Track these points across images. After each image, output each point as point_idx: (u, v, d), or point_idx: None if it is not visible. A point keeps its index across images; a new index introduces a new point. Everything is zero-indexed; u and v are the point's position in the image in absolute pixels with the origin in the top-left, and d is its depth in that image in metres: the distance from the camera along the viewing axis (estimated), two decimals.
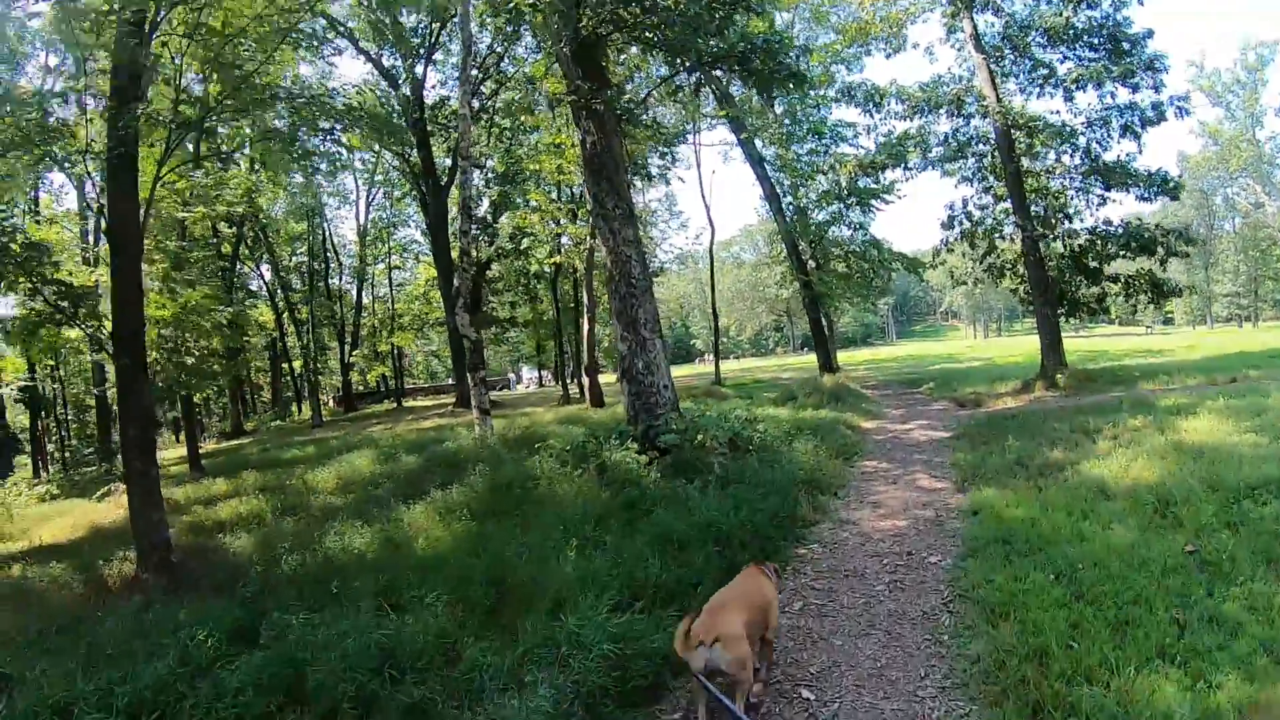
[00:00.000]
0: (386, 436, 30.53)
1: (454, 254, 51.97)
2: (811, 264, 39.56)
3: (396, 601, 9.42)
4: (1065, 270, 29.29)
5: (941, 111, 30.20)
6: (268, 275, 58.65)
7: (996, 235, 31.01)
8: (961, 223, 31.50)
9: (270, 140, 20.97)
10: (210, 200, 31.73)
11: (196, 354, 34.20)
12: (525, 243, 44.11)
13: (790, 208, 39.69)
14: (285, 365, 65.00)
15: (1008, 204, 30.05)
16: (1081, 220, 29.51)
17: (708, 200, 54.59)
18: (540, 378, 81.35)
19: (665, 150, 39.10)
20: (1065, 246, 29.42)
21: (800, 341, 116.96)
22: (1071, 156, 29.20)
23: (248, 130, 21.82)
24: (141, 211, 15.01)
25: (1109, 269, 29.61)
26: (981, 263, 31.96)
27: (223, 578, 12.13)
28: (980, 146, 30.49)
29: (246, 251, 54.50)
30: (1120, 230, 28.48)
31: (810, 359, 53.33)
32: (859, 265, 39.38)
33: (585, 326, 36.95)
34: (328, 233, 64.40)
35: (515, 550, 11.10)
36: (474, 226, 25.38)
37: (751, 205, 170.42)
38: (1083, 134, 28.82)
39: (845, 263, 39.86)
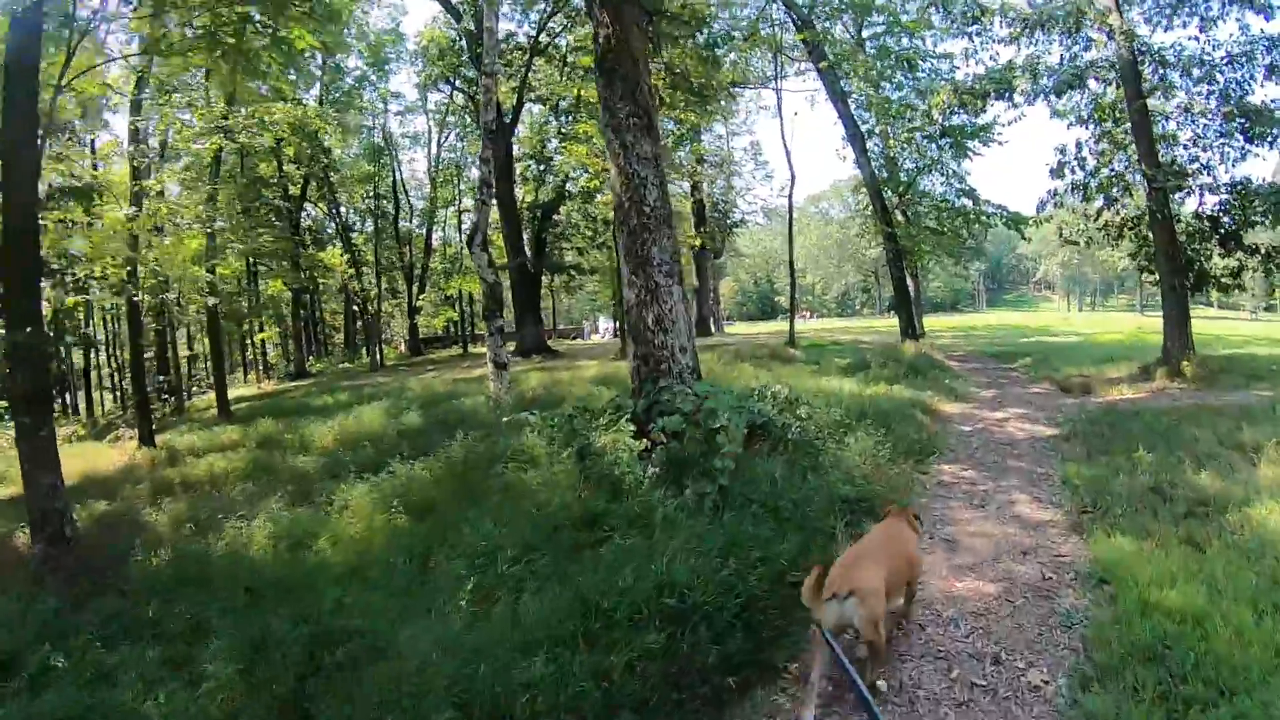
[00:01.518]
0: (420, 387, 29.17)
1: (519, 193, 50.94)
2: (898, 216, 35.06)
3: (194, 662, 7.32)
4: (1196, 235, 24.13)
5: (1055, 34, 24.71)
6: (342, 215, 58.39)
7: (1116, 187, 25.61)
8: (1074, 170, 26.06)
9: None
10: (234, 131, 30.32)
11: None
12: (582, 182, 39.68)
13: (876, 151, 34.84)
14: (355, 308, 62.85)
15: (1130, 150, 24.85)
16: (1215, 176, 23.97)
17: (788, 145, 49.38)
18: (614, 328, 77.89)
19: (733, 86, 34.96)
20: (1199, 205, 24.22)
21: (886, 305, 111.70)
22: (1207, 99, 23.67)
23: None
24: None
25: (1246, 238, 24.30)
26: (1097, 219, 26.67)
27: (105, 563, 11.09)
28: (1098, 80, 25.13)
29: (316, 193, 54.12)
30: (1273, 188, 23.01)
31: (895, 323, 49.28)
32: (950, 220, 34.43)
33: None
34: (397, 174, 62.05)
35: (411, 582, 8.95)
36: (490, 151, 21.25)
37: (833, 148, 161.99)
38: (1220, 71, 23.34)
39: (935, 216, 35.33)
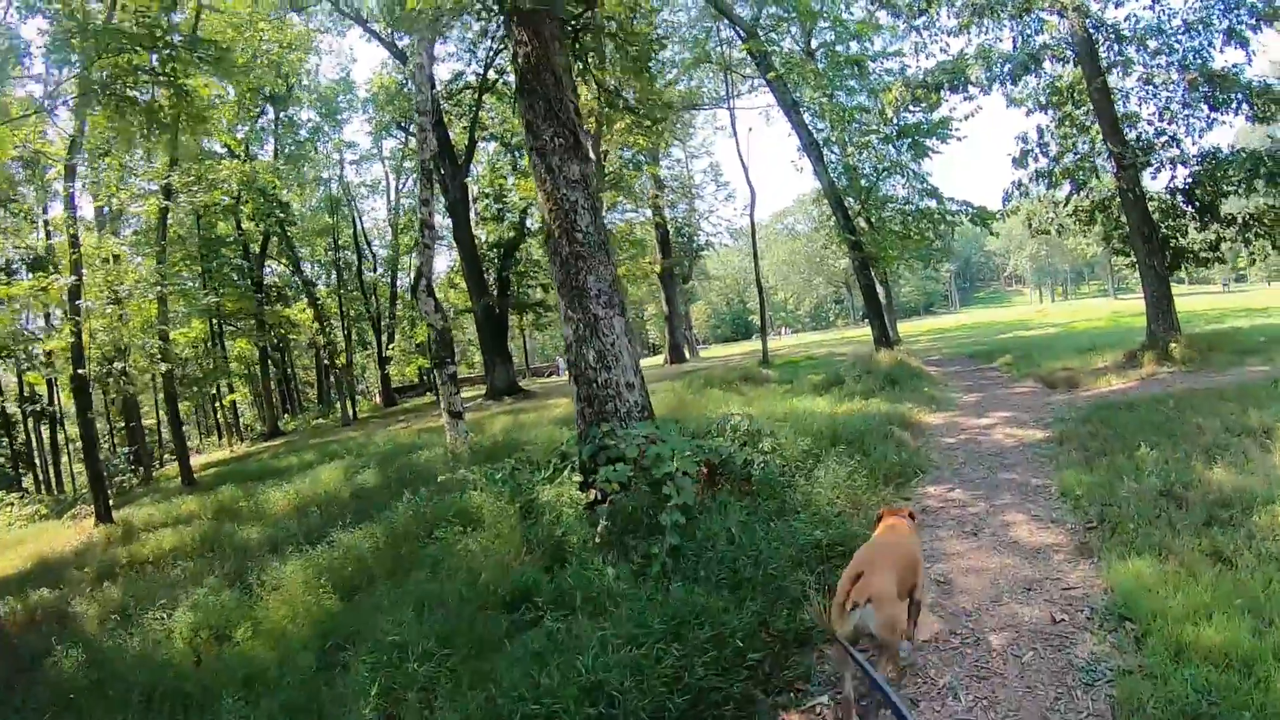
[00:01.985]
0: (384, 440, 28.52)
1: (482, 234, 50.01)
2: (863, 224, 33.76)
3: None
4: (1169, 211, 23.00)
5: (1004, 18, 23.46)
6: (306, 269, 58.41)
7: (1081, 170, 24.40)
8: (1037, 158, 24.88)
9: None
10: (175, 191, 29.60)
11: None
12: (539, 216, 38.55)
13: (835, 159, 33.54)
14: (325, 363, 62.13)
15: (1093, 131, 23.79)
16: (1183, 148, 22.75)
17: (745, 162, 49.12)
18: None
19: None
20: (1170, 180, 23.01)
21: (860, 314, 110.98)
22: (1167, 70, 22.45)
23: None
24: None
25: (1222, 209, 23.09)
26: (1066, 205, 25.46)
27: (22, 664, 10.29)
28: (1054, 61, 23.74)
29: (276, 248, 53.59)
30: (1244, 154, 21.79)
31: (870, 333, 48.64)
32: (916, 222, 33.03)
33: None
34: (358, 224, 62.14)
35: (314, 687, 7.66)
36: (431, 193, 20.21)
37: (789, 159, 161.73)
38: (1178, 40, 22.17)
39: (901, 220, 33.85)
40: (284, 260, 55.92)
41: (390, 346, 61.56)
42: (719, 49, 38.43)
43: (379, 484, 18.34)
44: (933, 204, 32.40)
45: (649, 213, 57.51)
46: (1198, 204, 22.09)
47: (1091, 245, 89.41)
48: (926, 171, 32.84)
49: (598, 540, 9.17)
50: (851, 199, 32.90)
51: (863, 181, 32.68)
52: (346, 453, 26.19)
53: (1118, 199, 23.02)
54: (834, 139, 33.03)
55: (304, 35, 46.58)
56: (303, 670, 7.96)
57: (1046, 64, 23.39)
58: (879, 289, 48.16)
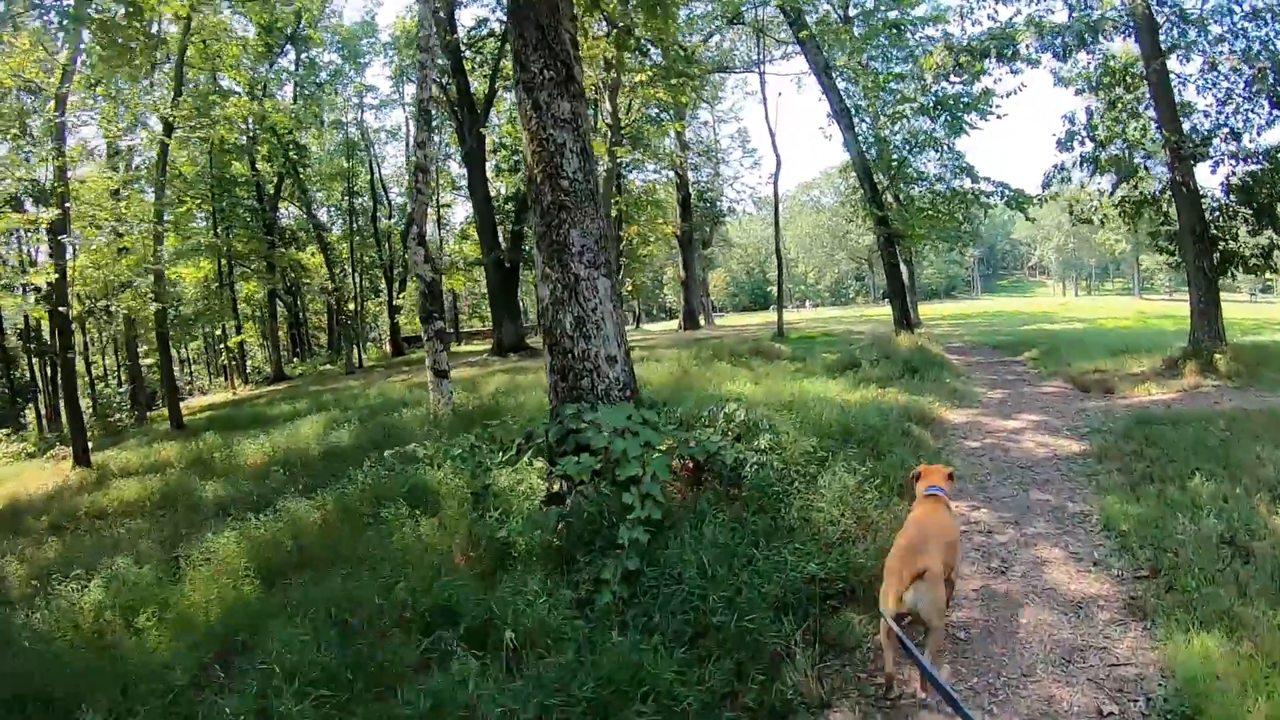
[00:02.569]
0: (378, 393, 27.82)
1: (500, 186, 48.72)
2: (890, 199, 31.97)
3: None
4: (1222, 211, 21.02)
5: None
6: (320, 215, 57.95)
7: (1128, 159, 22.47)
8: (1083, 142, 22.90)
9: None
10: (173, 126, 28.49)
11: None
12: None
13: (865, 130, 31.70)
14: (336, 308, 60.78)
15: (1145, 118, 22.04)
16: (1243, 143, 20.51)
17: (773, 129, 46.88)
18: None
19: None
20: (1228, 176, 20.87)
21: (880, 293, 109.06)
22: (1230, 58, 20.25)
23: None
24: None
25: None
26: (1112, 194, 23.56)
27: None
28: (1109, 39, 21.74)
29: (289, 191, 52.78)
30: None
31: (889, 312, 47.20)
32: (946, 202, 31.24)
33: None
34: (376, 170, 60.67)
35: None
36: (428, 134, 18.76)
37: (818, 127, 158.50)
38: (1243, 27, 20.20)
39: (930, 198, 32.10)
40: (297, 203, 54.82)
41: (401, 295, 60.37)
42: (752, 10, 37.03)
43: (351, 444, 17.17)
44: (967, 183, 30.41)
45: (672, 174, 56.32)
46: (1256, 205, 20.21)
47: (1121, 242, 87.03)
48: (961, 150, 31.05)
49: (551, 543, 7.69)
50: (881, 173, 31.06)
51: (893, 155, 30.66)
52: (335, 405, 25.45)
53: (1168, 192, 21.21)
54: (866, 107, 31.22)
55: None
56: (182, 680, 6.47)
57: (1102, 39, 21.50)
58: (902, 269, 46.74)
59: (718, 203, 66.54)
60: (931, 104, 28.34)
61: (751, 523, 7.89)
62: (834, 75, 30.32)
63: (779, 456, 9.65)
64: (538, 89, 10.25)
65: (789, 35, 32.57)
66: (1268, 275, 22.28)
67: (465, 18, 41.13)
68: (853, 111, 30.80)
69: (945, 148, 29.97)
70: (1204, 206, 20.32)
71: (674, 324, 65.22)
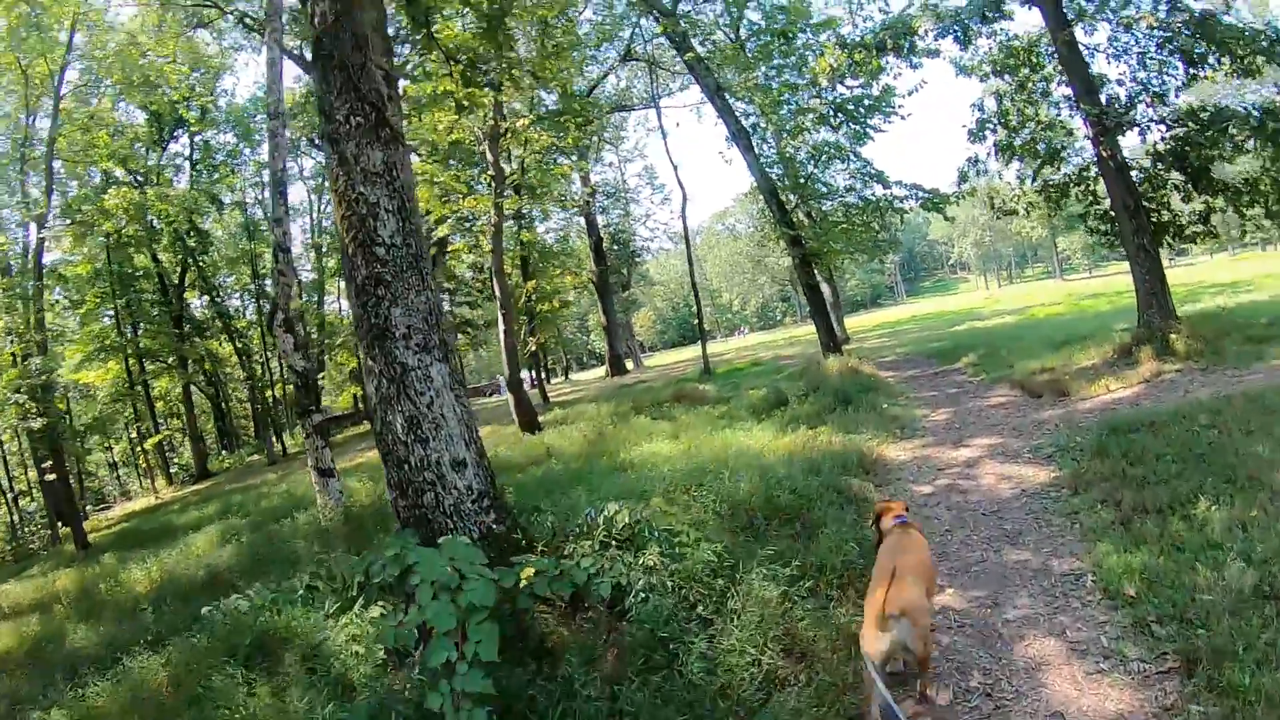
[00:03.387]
0: (286, 489, 25.81)
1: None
2: (802, 217, 30.47)
3: None
4: (1152, 180, 19.26)
5: None
6: (236, 301, 56.64)
7: (1044, 142, 20.87)
8: (995, 130, 21.28)
9: None
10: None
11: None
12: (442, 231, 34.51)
13: (768, 150, 29.86)
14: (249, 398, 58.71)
15: (1057, 96, 20.57)
16: (1167, 103, 18.90)
17: (674, 161, 45.71)
18: (532, 377, 73.17)
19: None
20: (1155, 142, 19.23)
21: (807, 311, 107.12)
22: (1138, 17, 18.49)
23: None
24: None
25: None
26: (1034, 180, 21.77)
27: None
28: (1010, 20, 20.09)
29: (192, 279, 50.24)
30: (1244, 109, 18.10)
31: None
32: (861, 213, 29.18)
33: (501, 326, 26.49)
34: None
35: None
36: (285, 210, 16.79)
37: (717, 150, 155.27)
38: None
39: (843, 211, 29.90)
40: (199, 292, 52.26)
41: (322, 375, 56.96)
42: (643, 44, 36.51)
43: (232, 562, 14.95)
44: (878, 190, 28.56)
45: (581, 220, 54.80)
46: (1190, 169, 18.46)
47: (1037, 227, 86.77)
48: (869, 157, 29.34)
49: None
50: (790, 192, 29.15)
51: (799, 171, 28.74)
52: (239, 509, 23.60)
53: (1093, 170, 19.54)
54: (766, 126, 29.30)
55: (214, 53, 45.15)
56: None
57: (1003, 20, 19.81)
58: (825, 287, 44.88)
59: (630, 243, 64.55)
60: (831, 112, 26.61)
61: (625, 696, 5.66)
62: (728, 97, 28.48)
63: (675, 572, 7.32)
64: (344, 139, 8.14)
65: (683, 69, 30.91)
66: (1207, 240, 20.60)
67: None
68: (751, 131, 28.98)
69: (851, 156, 28.23)
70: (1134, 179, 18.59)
71: (602, 371, 63.19)
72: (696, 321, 42.67)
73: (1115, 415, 12.63)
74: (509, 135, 25.68)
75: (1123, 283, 59.56)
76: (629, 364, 58.70)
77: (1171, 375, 15.37)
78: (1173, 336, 16.85)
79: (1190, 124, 17.97)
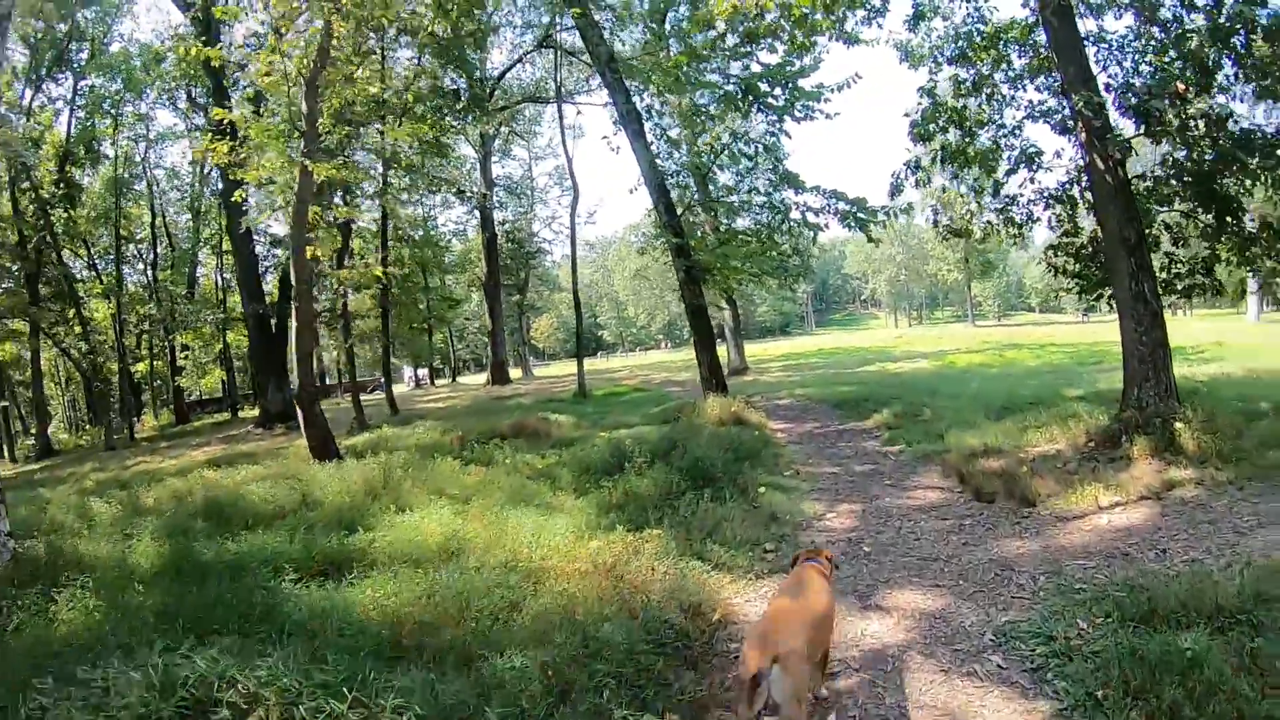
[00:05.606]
0: (93, 484, 20.56)
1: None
2: (707, 230, 25.19)
3: None
4: (1161, 199, 13.97)
5: None
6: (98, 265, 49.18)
7: (1021, 145, 15.41)
8: (944, 128, 15.53)
9: None
10: None
11: None
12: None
13: (658, 132, 24.36)
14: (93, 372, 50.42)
15: (1030, 90, 15.12)
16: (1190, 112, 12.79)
17: (570, 153, 40.21)
18: (419, 377, 67.62)
19: None
20: (1173, 153, 13.52)
21: (718, 329, 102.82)
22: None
23: None
24: None
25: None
26: (995, 196, 15.92)
27: None
28: None
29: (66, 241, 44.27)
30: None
31: (724, 352, 41.50)
32: (767, 225, 23.94)
33: (294, 322, 19.79)
34: (160, 213, 51.87)
35: None
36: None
37: (602, 135, 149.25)
38: None
39: (754, 226, 24.80)
40: (56, 251, 44.26)
41: (184, 355, 53.18)
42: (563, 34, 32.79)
43: None
44: (790, 195, 23.00)
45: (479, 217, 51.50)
46: (1217, 201, 13.09)
47: (953, 271, 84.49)
48: (785, 152, 23.94)
49: None
50: (693, 188, 24.33)
51: (702, 163, 23.70)
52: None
53: (1078, 185, 14.38)
54: (662, 104, 24.24)
55: None
56: None
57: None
58: (725, 310, 39.72)
59: (526, 244, 59.60)
60: (740, 92, 21.16)
61: None
62: (620, 71, 22.86)
63: None
64: None
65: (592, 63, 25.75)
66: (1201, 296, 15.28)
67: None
68: (645, 115, 23.53)
69: (760, 149, 22.78)
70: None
71: (482, 377, 58.27)
72: (608, 330, 38.24)
73: (1133, 571, 7.41)
74: (334, 85, 19.77)
75: (1040, 335, 55.49)
76: (517, 372, 55.35)
77: (1190, 490, 9.97)
78: (1179, 427, 11.44)
79: (1219, 138, 12.55)
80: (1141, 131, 12.51)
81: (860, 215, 21.36)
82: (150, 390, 56.31)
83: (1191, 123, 12.39)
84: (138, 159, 49.26)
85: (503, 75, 45.21)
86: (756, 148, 23.03)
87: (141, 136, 49.06)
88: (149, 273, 50.66)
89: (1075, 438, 12.77)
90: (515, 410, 25.53)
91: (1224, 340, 33.66)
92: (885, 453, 15.16)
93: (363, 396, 35.88)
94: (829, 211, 22.00)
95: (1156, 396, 12.17)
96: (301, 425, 18.46)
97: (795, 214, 22.74)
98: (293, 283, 19.28)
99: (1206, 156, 12.68)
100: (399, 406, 33.50)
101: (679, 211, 23.13)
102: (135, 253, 51.02)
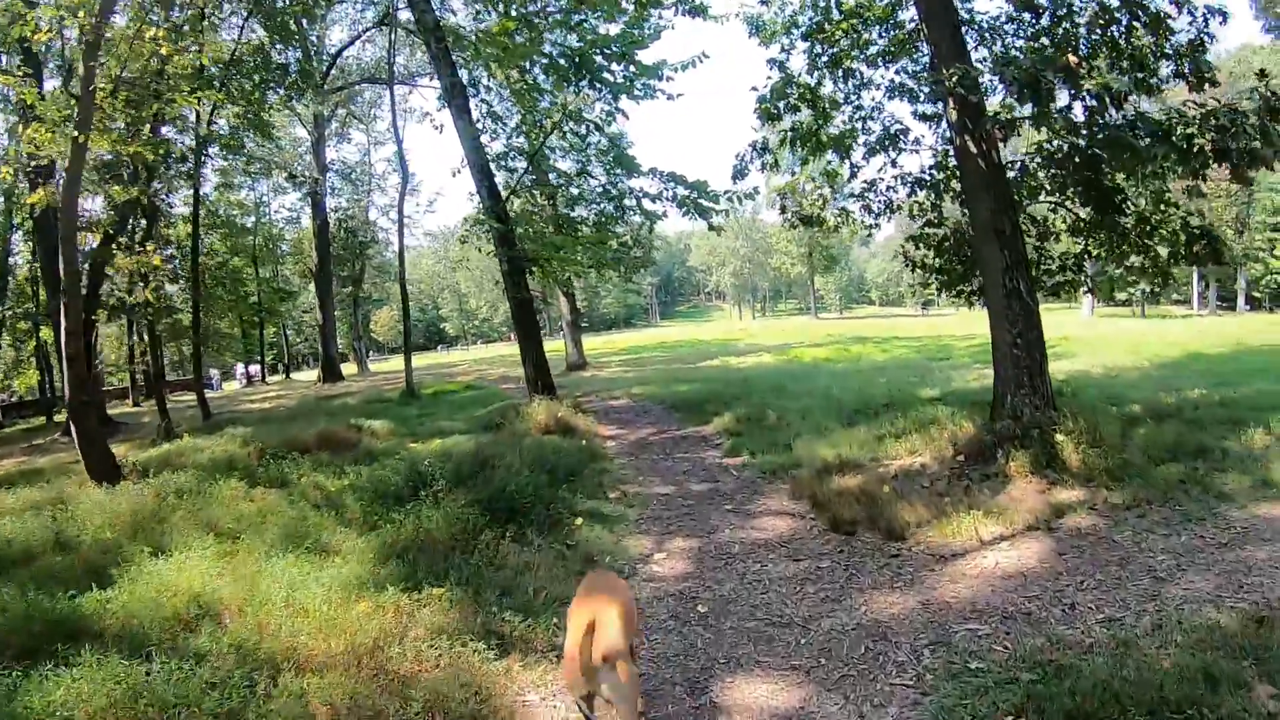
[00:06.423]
0: None
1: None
2: (538, 212, 23.68)
3: None
4: (1031, 191, 12.75)
5: None
6: None
7: (884, 127, 13.94)
8: (796, 107, 13.58)
9: None
10: None
11: None
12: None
13: (484, 109, 22.36)
14: None
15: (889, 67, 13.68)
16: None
17: (400, 135, 38.10)
18: (249, 374, 64.03)
19: None
20: (1050, 140, 12.08)
21: (556, 324, 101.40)
22: None
23: None
24: None
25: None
26: (850, 177, 14.37)
27: None
28: None
29: None
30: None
31: (562, 346, 41.58)
32: (602, 212, 22.47)
33: (63, 324, 16.68)
34: None
35: None
36: None
37: (425, 113, 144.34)
38: None
39: (593, 214, 23.20)
40: None
41: None
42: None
43: None
44: (625, 182, 21.45)
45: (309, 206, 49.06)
46: (1096, 190, 11.84)
47: (796, 265, 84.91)
48: (620, 131, 22.15)
49: None
50: (519, 165, 22.24)
51: (534, 142, 21.77)
52: None
53: (943, 171, 13.01)
54: (492, 81, 22.15)
55: None
56: None
57: None
58: (563, 303, 38.15)
59: (359, 233, 56.62)
60: (571, 66, 19.30)
61: None
62: (445, 40, 20.68)
63: None
64: None
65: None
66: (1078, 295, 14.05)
67: None
68: (470, 90, 21.39)
69: (592, 127, 21.02)
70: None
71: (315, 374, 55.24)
72: (450, 323, 35.96)
73: (1040, 639, 5.89)
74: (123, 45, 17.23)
75: (883, 328, 55.04)
76: (353, 367, 53.46)
77: (1083, 517, 8.46)
78: (1060, 439, 9.93)
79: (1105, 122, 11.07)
80: (1029, 111, 10.93)
81: (700, 201, 19.82)
82: None
83: (1080, 102, 10.91)
84: None
85: (340, 53, 42.82)
86: (588, 127, 21.13)
87: None
88: None
89: (940, 449, 11.19)
90: (336, 413, 23.28)
91: (1068, 335, 33.10)
92: (727, 466, 13.29)
93: (191, 395, 33.19)
94: (667, 198, 20.47)
95: (1033, 405, 10.67)
96: (77, 444, 15.80)
97: (629, 200, 21.15)
98: (60, 274, 16.65)
99: (1088, 143, 11.25)
100: (218, 409, 30.56)
101: (504, 196, 21.13)
102: None
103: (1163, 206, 12.23)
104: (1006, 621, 6.34)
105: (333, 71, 42.99)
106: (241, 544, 8.98)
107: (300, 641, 6.15)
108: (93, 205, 31.32)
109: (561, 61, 19.65)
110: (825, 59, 13.74)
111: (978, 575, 7.39)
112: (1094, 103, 10.52)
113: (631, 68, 19.77)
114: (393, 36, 32.19)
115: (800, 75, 13.86)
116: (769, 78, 13.69)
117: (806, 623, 6.81)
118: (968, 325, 44.18)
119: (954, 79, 10.15)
